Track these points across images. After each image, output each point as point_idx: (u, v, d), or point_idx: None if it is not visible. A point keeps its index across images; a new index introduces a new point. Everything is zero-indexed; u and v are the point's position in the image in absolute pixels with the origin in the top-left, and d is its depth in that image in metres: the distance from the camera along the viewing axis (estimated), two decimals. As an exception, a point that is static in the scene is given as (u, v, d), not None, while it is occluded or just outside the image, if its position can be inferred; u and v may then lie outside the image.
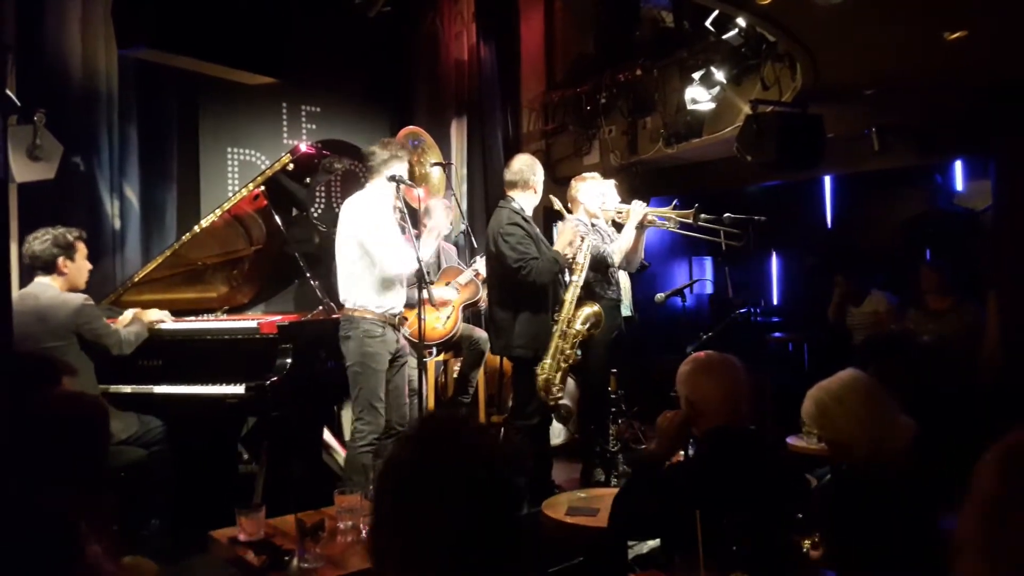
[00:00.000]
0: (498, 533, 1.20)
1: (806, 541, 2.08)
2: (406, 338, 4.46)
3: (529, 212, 4.47)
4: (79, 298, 3.81)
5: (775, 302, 8.29)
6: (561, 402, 4.57)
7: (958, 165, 6.71)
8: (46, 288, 3.78)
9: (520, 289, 4.32)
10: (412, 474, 1.22)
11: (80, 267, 3.90)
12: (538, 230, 4.49)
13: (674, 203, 4.59)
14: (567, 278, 4.46)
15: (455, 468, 1.20)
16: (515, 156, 4.69)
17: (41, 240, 3.79)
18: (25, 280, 4.00)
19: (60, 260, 3.81)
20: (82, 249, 3.91)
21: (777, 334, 7.04)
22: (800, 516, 2.12)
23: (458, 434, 1.26)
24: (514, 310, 4.38)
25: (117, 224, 5.12)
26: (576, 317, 4.37)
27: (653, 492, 2.32)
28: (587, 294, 4.54)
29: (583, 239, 4.47)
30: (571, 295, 4.37)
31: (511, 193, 4.49)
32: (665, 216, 4.60)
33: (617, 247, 4.67)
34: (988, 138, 4.92)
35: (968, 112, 4.98)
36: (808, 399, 2.47)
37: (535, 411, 4.37)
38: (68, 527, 1.35)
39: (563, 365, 4.33)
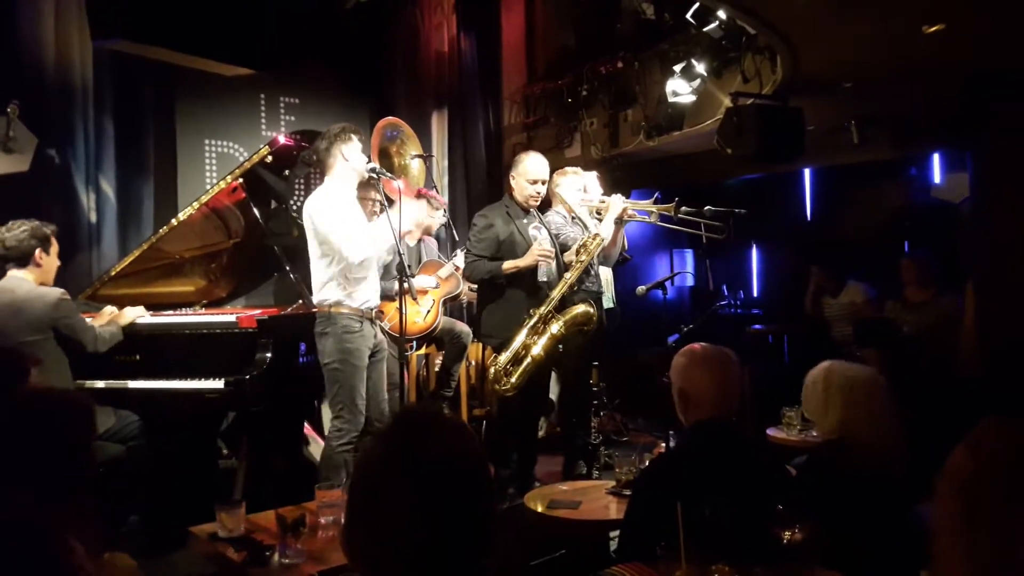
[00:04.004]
0: (472, 529, 1.20)
1: (787, 532, 2.09)
2: (386, 332, 4.43)
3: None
4: (56, 292, 3.74)
5: (755, 294, 8.34)
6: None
7: (936, 158, 6.76)
8: (21, 282, 3.70)
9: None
10: (385, 470, 1.21)
11: (53, 261, 3.85)
12: (534, 228, 4.43)
13: (655, 196, 4.57)
14: (552, 269, 4.38)
15: (428, 464, 1.19)
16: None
17: (19, 232, 3.71)
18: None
19: (38, 252, 3.74)
20: (55, 244, 3.86)
21: (757, 326, 7.09)
22: (781, 507, 2.13)
23: (432, 430, 1.25)
24: (488, 296, 4.38)
25: (93, 217, 5.07)
26: (563, 316, 4.19)
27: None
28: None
29: (597, 236, 4.36)
30: (557, 292, 4.20)
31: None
32: (645, 210, 4.56)
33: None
34: (966, 130, 4.96)
35: (946, 105, 5.01)
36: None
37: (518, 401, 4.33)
38: (50, 528, 1.32)
39: (527, 362, 4.10)
